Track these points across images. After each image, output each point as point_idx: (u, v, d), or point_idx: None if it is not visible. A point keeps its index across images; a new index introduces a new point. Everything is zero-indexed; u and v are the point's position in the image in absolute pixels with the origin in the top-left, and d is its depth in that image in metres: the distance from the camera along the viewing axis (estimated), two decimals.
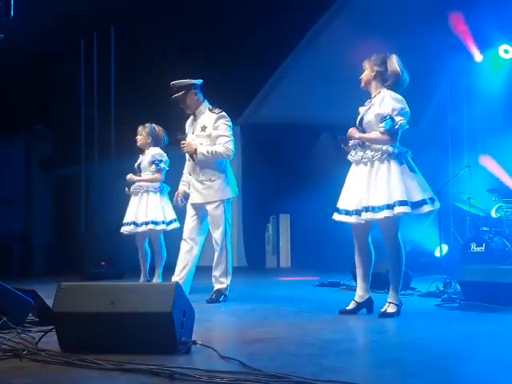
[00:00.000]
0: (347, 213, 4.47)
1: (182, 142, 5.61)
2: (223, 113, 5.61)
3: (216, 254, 5.61)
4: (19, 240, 13.54)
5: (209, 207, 5.62)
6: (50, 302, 3.48)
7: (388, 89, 4.48)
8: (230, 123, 5.64)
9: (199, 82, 5.67)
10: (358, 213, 4.41)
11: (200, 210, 5.71)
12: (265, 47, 10.62)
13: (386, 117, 4.36)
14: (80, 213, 12.17)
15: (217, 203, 5.58)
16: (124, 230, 6.90)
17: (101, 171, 11.63)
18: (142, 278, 6.84)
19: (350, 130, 4.51)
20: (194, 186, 5.66)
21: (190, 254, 5.67)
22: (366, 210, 4.35)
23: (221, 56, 10.97)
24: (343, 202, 4.53)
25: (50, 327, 3.33)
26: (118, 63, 11.46)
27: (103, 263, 8.98)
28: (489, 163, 9.35)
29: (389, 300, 4.46)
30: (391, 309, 4.42)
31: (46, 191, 15.11)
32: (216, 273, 5.60)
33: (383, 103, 4.41)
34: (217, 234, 5.59)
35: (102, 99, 11.61)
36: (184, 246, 5.71)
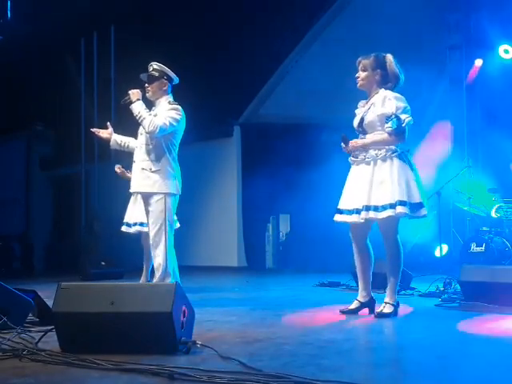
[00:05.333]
0: (348, 212, 4.44)
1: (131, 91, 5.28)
2: (178, 106, 5.29)
3: (152, 254, 5.34)
4: (19, 240, 13.54)
5: (149, 200, 5.28)
6: (49, 302, 3.47)
7: (386, 89, 4.45)
8: (179, 117, 5.25)
9: (176, 78, 5.45)
10: (358, 212, 4.38)
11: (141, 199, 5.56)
12: (265, 47, 10.62)
13: (390, 116, 4.28)
14: (80, 213, 12.17)
15: (158, 196, 5.23)
16: (124, 229, 6.92)
17: (101, 171, 11.63)
18: (142, 278, 6.82)
19: (350, 145, 4.43)
20: (135, 174, 5.41)
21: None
22: (368, 208, 4.31)
23: (221, 56, 10.98)
24: (344, 202, 4.50)
25: (50, 327, 3.33)
26: (118, 63, 11.47)
27: (103, 263, 8.97)
28: None
29: (385, 300, 4.44)
30: (387, 309, 4.40)
31: (46, 191, 15.12)
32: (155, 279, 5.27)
33: (386, 103, 4.35)
34: (153, 232, 5.24)
35: (101, 99, 11.61)
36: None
